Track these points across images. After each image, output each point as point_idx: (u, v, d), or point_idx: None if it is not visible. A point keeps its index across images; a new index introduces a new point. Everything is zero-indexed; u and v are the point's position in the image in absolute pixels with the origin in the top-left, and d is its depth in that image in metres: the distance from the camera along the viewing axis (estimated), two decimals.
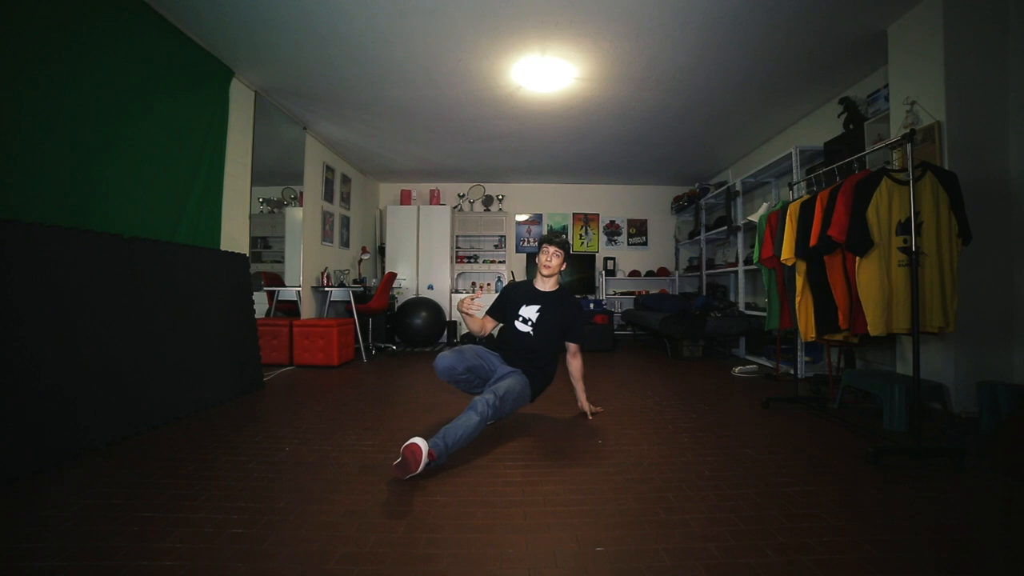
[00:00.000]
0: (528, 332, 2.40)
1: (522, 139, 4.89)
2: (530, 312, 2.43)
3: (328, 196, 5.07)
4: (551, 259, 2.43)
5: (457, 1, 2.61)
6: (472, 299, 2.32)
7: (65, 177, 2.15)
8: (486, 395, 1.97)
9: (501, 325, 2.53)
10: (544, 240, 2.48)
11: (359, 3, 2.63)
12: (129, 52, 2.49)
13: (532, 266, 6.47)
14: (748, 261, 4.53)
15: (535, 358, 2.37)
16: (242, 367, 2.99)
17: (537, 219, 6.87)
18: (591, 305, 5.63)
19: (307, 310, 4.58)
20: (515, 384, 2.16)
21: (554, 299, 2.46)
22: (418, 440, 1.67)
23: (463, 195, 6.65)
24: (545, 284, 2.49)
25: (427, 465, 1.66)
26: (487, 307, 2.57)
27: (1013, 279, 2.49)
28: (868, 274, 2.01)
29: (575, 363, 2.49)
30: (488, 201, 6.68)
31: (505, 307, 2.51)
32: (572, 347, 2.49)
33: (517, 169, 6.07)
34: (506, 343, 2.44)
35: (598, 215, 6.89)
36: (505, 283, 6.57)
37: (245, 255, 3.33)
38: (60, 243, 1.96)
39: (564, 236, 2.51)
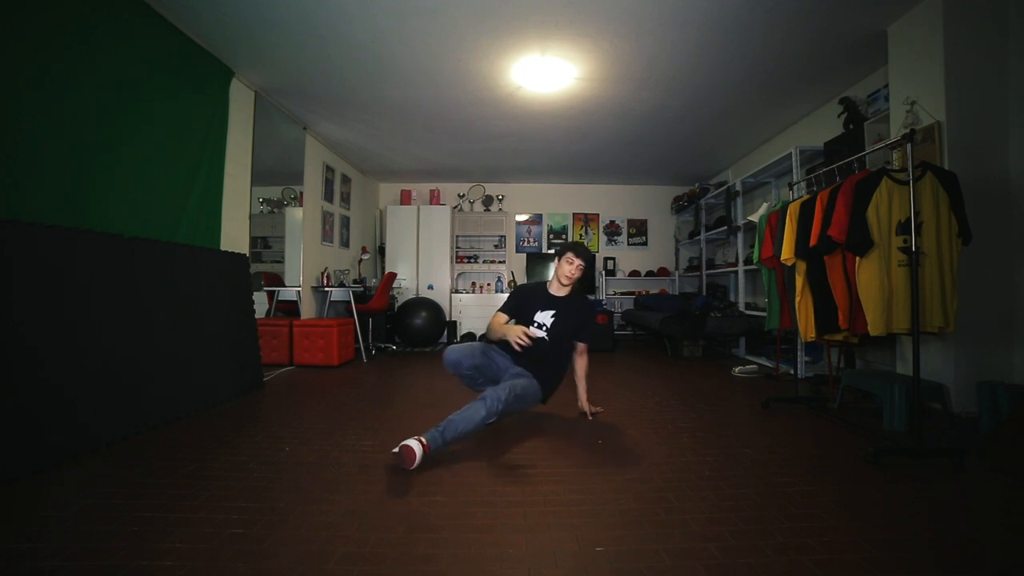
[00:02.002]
0: (543, 337, 2.36)
1: (522, 139, 4.89)
2: (545, 318, 2.39)
3: (328, 196, 5.07)
4: (575, 272, 2.38)
5: (457, 1, 2.61)
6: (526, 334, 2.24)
7: (65, 177, 2.15)
8: (499, 391, 1.95)
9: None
10: (570, 249, 2.38)
11: (359, 3, 2.63)
12: (129, 52, 2.49)
13: (532, 266, 6.45)
14: (748, 261, 4.53)
15: (548, 361, 2.36)
16: (242, 367, 2.99)
17: (537, 219, 6.87)
18: None
19: (307, 310, 4.58)
20: (529, 385, 2.18)
21: (569, 304, 2.43)
22: (412, 444, 1.74)
23: (463, 195, 6.65)
24: (561, 290, 2.45)
25: (423, 458, 1.75)
26: (502, 307, 2.50)
27: (1013, 279, 2.49)
28: (868, 274, 2.01)
29: (581, 361, 2.49)
30: (488, 201, 6.68)
31: (520, 309, 2.45)
32: (581, 346, 2.49)
33: (517, 169, 6.07)
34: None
35: (598, 215, 6.89)
36: (505, 283, 6.58)
37: (245, 255, 3.33)
38: (60, 243, 1.96)
39: (588, 248, 2.44)
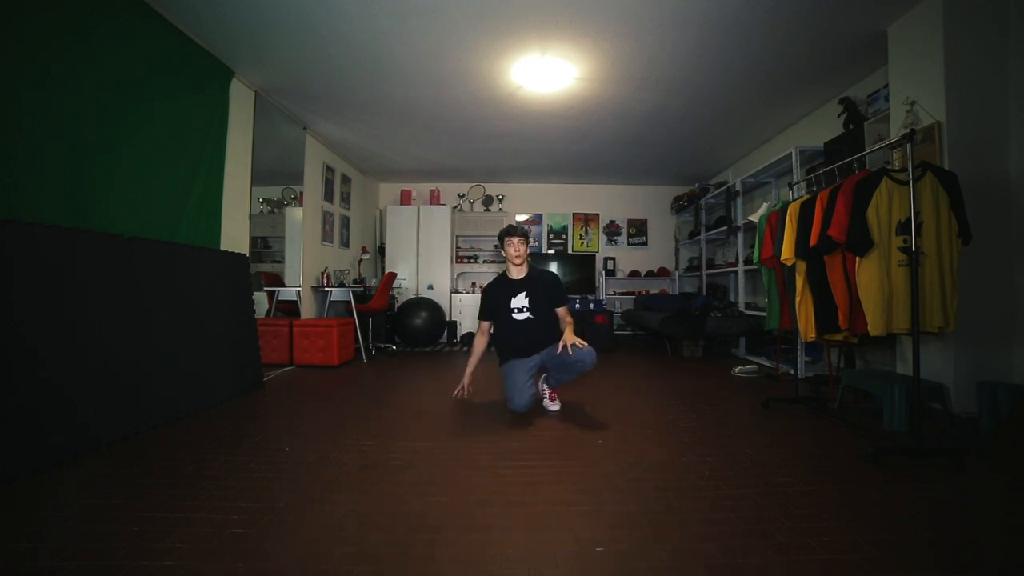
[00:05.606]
0: (528, 317, 2.58)
1: (522, 139, 4.89)
2: (520, 300, 2.60)
3: (328, 196, 5.07)
4: (519, 247, 2.60)
5: (457, 1, 2.60)
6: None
7: (65, 177, 2.15)
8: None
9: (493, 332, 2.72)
10: (506, 234, 2.65)
11: (359, 3, 2.63)
12: (129, 52, 2.49)
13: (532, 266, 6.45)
14: (748, 261, 4.53)
15: (540, 336, 2.59)
16: (242, 367, 2.99)
17: (537, 219, 6.86)
18: (591, 305, 5.63)
19: (307, 310, 4.58)
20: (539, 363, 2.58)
21: (534, 280, 2.67)
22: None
23: (463, 195, 6.65)
24: (519, 272, 2.66)
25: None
26: (479, 313, 2.77)
27: (1013, 279, 2.49)
28: (868, 274, 2.01)
29: (566, 320, 2.63)
30: (488, 201, 6.67)
31: (496, 307, 2.66)
32: (561, 311, 2.65)
33: (517, 169, 6.06)
34: (508, 343, 2.60)
35: (598, 215, 6.88)
36: None
37: (245, 255, 3.33)
38: (60, 243, 1.96)
39: (519, 224, 2.92)
